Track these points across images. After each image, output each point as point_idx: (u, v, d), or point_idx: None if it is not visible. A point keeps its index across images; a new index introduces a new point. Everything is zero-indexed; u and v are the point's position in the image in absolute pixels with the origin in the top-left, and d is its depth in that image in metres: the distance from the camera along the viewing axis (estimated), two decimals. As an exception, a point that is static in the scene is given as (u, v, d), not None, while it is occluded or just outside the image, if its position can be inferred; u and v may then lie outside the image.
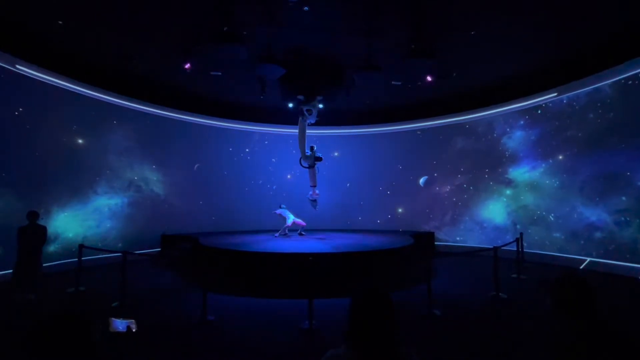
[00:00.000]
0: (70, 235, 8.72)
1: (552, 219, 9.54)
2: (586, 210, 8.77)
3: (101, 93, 9.53)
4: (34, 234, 6.19)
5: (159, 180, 11.05)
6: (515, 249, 8.14)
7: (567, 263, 8.87)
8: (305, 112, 9.34)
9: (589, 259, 8.60)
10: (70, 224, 8.78)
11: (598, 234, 8.47)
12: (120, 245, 9.40)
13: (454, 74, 9.17)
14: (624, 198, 7.98)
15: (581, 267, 8.58)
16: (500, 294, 6.14)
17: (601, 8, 6.63)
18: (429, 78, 9.06)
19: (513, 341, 4.39)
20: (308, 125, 9.59)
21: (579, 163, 8.96)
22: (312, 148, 9.76)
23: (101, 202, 9.57)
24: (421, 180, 12.46)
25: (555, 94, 9.41)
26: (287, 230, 9.93)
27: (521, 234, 8.78)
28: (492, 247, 6.73)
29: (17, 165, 7.73)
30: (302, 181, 11.47)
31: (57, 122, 8.66)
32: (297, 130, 12.16)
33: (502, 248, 6.96)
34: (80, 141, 9.19)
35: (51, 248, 8.13)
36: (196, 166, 11.77)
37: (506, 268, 7.60)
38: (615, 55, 8.03)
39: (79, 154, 9.11)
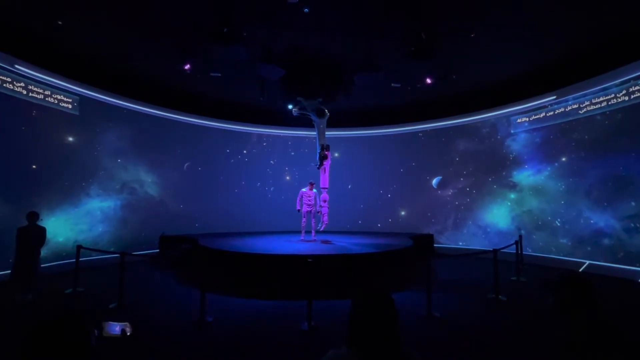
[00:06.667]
0: (61, 239, 8.48)
1: (558, 224, 9.33)
2: (593, 215, 8.54)
3: (95, 92, 9.38)
4: (34, 235, 6.17)
5: (154, 182, 10.86)
6: (515, 251, 8.11)
7: (569, 266, 8.74)
8: (299, 114, 9.42)
9: (587, 262, 8.50)
10: (61, 228, 8.53)
11: (606, 241, 8.23)
12: (112, 249, 9.09)
13: (454, 77, 9.18)
14: (633, 203, 7.75)
15: (580, 270, 8.56)
16: (499, 296, 6.13)
17: (602, 9, 6.64)
18: (428, 80, 9.08)
19: (512, 343, 4.37)
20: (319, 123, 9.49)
21: (586, 166, 8.74)
22: (321, 146, 9.45)
23: (94, 204, 9.34)
24: (434, 181, 12.22)
25: (554, 97, 9.42)
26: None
27: (520, 236, 8.74)
28: (491, 249, 6.71)
29: (3, 167, 7.50)
30: (301, 183, 11.46)
31: (47, 122, 8.43)
32: (296, 132, 12.18)
33: (502, 250, 6.95)
34: (71, 141, 8.97)
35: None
36: (186, 165, 11.63)
37: (506, 270, 7.60)
38: (614, 58, 7.98)
39: (70, 155, 8.88)
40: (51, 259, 8.10)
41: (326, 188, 9.48)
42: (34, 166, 8.10)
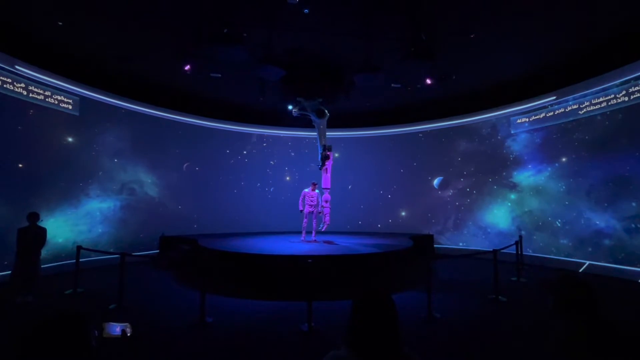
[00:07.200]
0: (60, 240, 8.46)
1: (559, 224, 9.29)
2: (594, 216, 8.51)
3: (95, 92, 9.36)
4: (35, 236, 6.16)
5: (154, 183, 10.83)
6: (515, 252, 8.11)
7: (569, 267, 8.72)
8: (298, 114, 9.40)
9: (588, 262, 8.50)
10: (61, 228, 8.50)
11: (606, 241, 8.20)
12: (112, 250, 9.09)
13: (454, 77, 9.19)
14: (634, 204, 7.73)
15: (580, 270, 8.56)
16: (500, 297, 6.12)
17: (602, 9, 6.62)
18: (428, 81, 9.08)
19: (513, 344, 4.37)
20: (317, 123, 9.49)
21: (586, 166, 8.71)
22: (323, 147, 9.34)
23: (93, 205, 9.31)
24: (435, 182, 12.16)
25: (554, 97, 9.42)
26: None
27: (520, 236, 8.74)
28: (491, 250, 6.70)
29: (3, 168, 7.46)
30: (301, 184, 11.46)
31: (47, 122, 8.39)
32: (296, 133, 12.17)
33: (502, 251, 6.94)
34: (71, 142, 8.94)
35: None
36: (185, 165, 11.61)
37: (506, 271, 7.59)
38: (614, 58, 7.98)
39: (70, 155, 8.85)
40: (51, 260, 8.07)
41: (328, 188, 9.48)
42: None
